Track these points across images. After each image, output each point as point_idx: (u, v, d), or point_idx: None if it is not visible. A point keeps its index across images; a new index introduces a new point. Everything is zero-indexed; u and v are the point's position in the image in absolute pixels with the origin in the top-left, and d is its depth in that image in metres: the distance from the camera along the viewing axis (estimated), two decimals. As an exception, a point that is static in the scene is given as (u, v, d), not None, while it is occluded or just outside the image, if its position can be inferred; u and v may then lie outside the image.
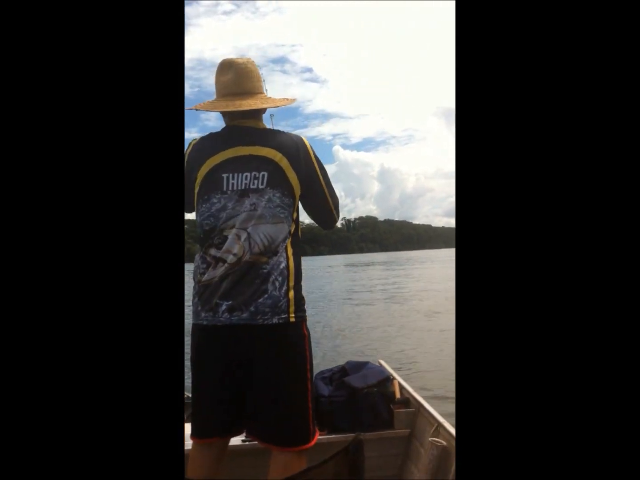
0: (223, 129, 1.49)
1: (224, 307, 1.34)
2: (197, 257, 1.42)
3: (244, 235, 1.36)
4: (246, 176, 1.38)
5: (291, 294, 1.37)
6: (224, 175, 1.38)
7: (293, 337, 1.37)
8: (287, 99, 1.55)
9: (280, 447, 1.37)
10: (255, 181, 1.38)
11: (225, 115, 1.50)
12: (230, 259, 1.35)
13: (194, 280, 1.42)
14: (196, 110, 1.57)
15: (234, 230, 1.36)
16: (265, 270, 1.36)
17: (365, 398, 1.79)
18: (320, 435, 1.79)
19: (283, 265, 1.37)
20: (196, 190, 1.40)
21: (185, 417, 2.05)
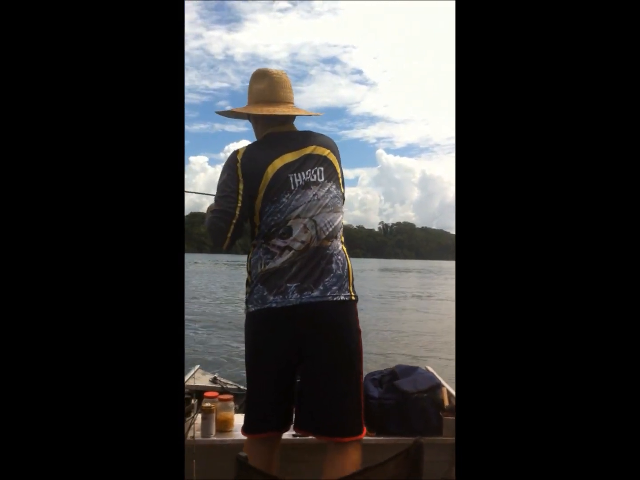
0: (267, 137, 1.57)
1: (292, 288, 1.41)
2: (256, 250, 1.49)
3: (310, 224, 1.45)
4: (307, 172, 1.48)
5: (350, 274, 1.49)
6: (290, 176, 1.46)
7: (353, 315, 1.48)
8: (316, 113, 1.71)
9: (337, 438, 1.43)
10: (315, 175, 1.49)
11: (259, 122, 1.59)
12: (298, 246, 1.43)
13: (252, 272, 1.49)
14: (227, 116, 1.69)
15: (299, 220, 1.44)
16: (328, 252, 1.46)
17: (415, 403, 1.81)
18: (369, 436, 1.82)
19: (340, 247, 1.49)
20: (260, 195, 1.46)
21: (237, 408, 2.12)
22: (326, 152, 1.53)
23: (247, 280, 1.52)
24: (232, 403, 1.94)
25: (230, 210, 1.45)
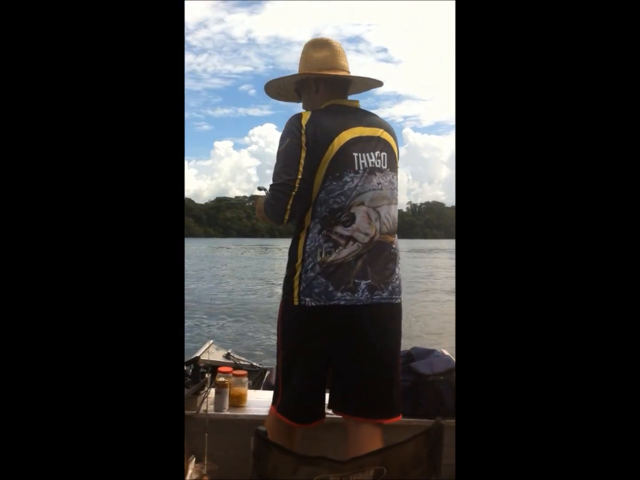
0: (330, 107, 1.46)
1: (362, 286, 1.34)
2: (314, 236, 1.36)
3: (374, 215, 1.37)
4: (371, 155, 1.40)
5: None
6: (355, 154, 1.37)
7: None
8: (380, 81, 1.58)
9: (380, 420, 1.44)
10: (379, 161, 1.41)
11: (320, 92, 1.49)
12: (362, 238, 1.35)
13: (308, 260, 1.36)
14: (272, 94, 1.60)
15: (362, 208, 1.36)
16: (393, 251, 1.42)
17: (431, 385, 1.77)
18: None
19: (398, 246, 1.45)
20: (323, 168, 1.35)
21: (250, 384, 2.12)
22: (390, 139, 1.47)
23: (296, 268, 1.39)
24: (246, 379, 1.94)
25: (290, 182, 1.34)
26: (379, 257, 1.38)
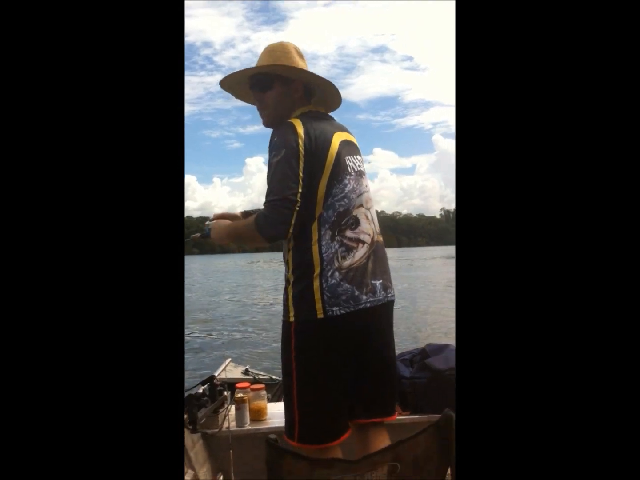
0: (309, 113, 1.42)
1: (378, 286, 1.37)
2: (328, 242, 1.31)
3: (370, 216, 1.41)
4: (356, 158, 1.45)
5: None
6: (346, 157, 1.40)
7: None
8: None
9: (391, 417, 1.46)
10: (360, 164, 1.46)
11: (299, 95, 1.45)
12: (367, 239, 1.38)
13: (327, 268, 1.30)
14: (230, 89, 1.52)
15: (362, 210, 1.39)
16: (384, 250, 1.45)
17: (448, 380, 1.75)
18: (403, 415, 1.79)
19: None
20: (328, 173, 1.33)
21: (270, 397, 2.12)
22: (356, 142, 1.51)
23: (313, 280, 1.30)
24: (264, 392, 1.95)
25: (293, 197, 1.26)
26: (381, 256, 1.41)
